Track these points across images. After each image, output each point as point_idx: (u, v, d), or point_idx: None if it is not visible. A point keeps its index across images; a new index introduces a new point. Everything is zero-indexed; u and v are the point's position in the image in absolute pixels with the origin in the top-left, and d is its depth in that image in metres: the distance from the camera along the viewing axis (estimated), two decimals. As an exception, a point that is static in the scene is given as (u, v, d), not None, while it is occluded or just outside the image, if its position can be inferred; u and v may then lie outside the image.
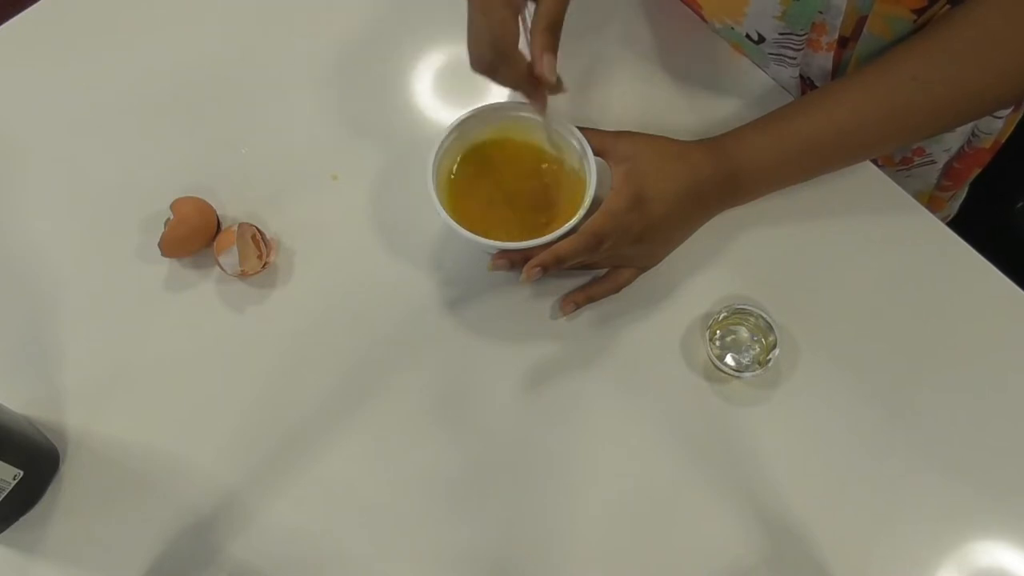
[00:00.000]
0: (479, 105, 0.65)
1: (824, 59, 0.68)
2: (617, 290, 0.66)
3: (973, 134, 0.78)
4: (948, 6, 0.60)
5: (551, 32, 0.58)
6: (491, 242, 0.61)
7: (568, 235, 0.61)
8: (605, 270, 0.66)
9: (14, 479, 0.57)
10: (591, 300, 0.66)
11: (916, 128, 0.64)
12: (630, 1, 0.78)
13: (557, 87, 0.60)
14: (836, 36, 0.66)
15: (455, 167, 0.67)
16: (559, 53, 0.58)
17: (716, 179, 0.64)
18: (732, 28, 0.72)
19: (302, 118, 0.74)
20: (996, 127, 0.76)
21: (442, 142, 0.63)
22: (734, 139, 0.65)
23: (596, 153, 0.64)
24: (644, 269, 0.66)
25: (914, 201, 0.69)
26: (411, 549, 0.59)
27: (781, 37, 0.68)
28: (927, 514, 0.59)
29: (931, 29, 0.61)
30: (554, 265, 0.60)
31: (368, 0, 0.79)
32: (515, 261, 0.62)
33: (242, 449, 0.62)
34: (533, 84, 0.59)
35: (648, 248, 0.65)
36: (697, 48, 0.76)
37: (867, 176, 0.70)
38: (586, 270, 0.67)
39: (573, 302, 0.65)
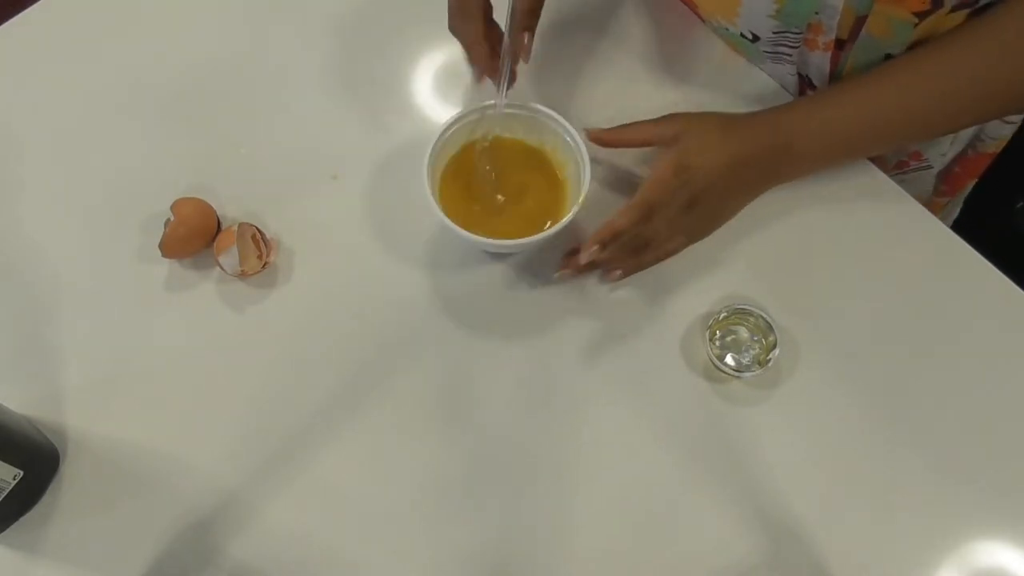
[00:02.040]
0: (475, 105, 0.65)
1: (821, 59, 0.68)
2: (665, 257, 0.65)
3: (978, 139, 0.78)
4: (951, 12, 0.60)
5: (532, 15, 0.66)
6: (488, 240, 0.61)
7: (563, 232, 0.61)
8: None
9: (14, 479, 0.57)
10: (640, 268, 0.65)
11: (958, 114, 0.64)
12: (627, 0, 0.78)
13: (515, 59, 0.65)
14: (833, 36, 0.66)
15: (451, 166, 0.67)
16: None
17: (765, 150, 0.64)
18: (727, 28, 0.72)
19: (302, 118, 0.74)
20: (1005, 133, 0.76)
21: (436, 142, 0.63)
22: (787, 111, 0.65)
23: (644, 144, 0.66)
24: (693, 240, 0.66)
25: (914, 201, 0.69)
26: (411, 549, 0.59)
27: (776, 36, 0.68)
28: (927, 514, 0.59)
29: (981, 20, 0.61)
30: (612, 239, 0.62)
31: (368, 0, 0.79)
32: (580, 269, 0.64)
33: (242, 449, 0.62)
34: (484, 49, 0.65)
35: (698, 217, 0.64)
36: (695, 47, 0.76)
37: (868, 176, 0.70)
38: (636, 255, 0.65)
39: (621, 269, 0.64)
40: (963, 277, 0.66)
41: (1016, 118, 0.75)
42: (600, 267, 0.66)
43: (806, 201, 0.68)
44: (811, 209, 0.68)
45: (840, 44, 0.67)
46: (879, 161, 0.71)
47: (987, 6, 0.60)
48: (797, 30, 0.66)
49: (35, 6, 0.79)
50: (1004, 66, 0.60)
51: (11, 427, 0.57)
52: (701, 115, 0.65)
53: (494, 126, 0.66)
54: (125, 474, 0.61)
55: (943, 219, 0.70)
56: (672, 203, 0.62)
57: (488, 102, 0.64)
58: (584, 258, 0.62)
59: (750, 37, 0.70)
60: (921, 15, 0.61)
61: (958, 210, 0.89)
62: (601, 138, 0.67)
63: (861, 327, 0.64)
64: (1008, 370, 0.63)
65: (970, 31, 0.61)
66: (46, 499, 0.60)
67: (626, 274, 0.65)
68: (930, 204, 0.86)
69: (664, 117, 0.65)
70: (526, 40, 0.67)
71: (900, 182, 0.70)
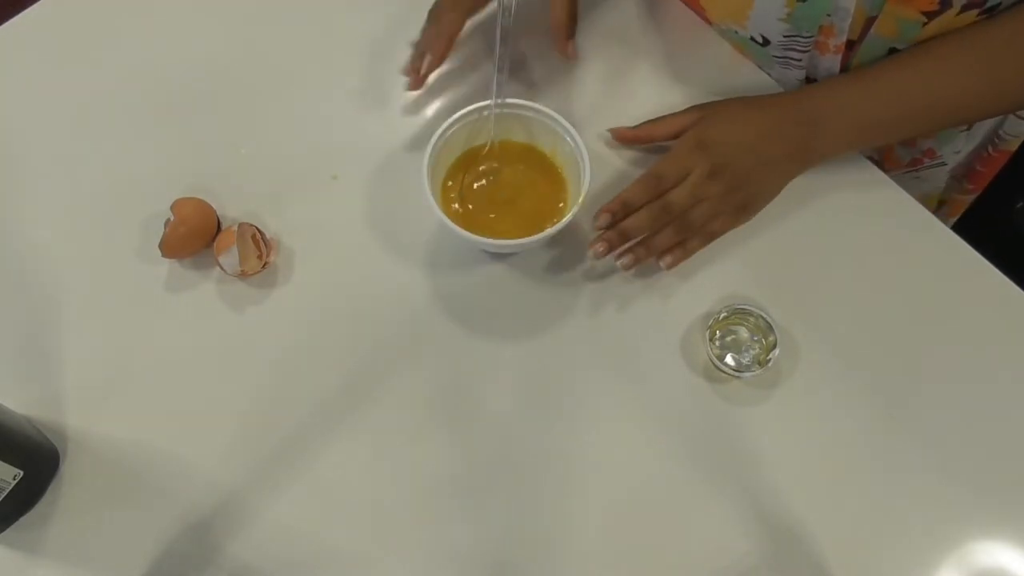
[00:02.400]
0: (474, 105, 0.65)
1: (831, 61, 0.68)
2: (710, 239, 0.65)
3: (997, 136, 0.78)
4: (960, 12, 0.60)
5: (572, 20, 0.70)
6: (488, 240, 0.61)
7: (563, 232, 0.61)
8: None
9: (14, 479, 0.57)
10: (688, 254, 0.64)
11: (981, 102, 0.64)
12: (633, 4, 0.78)
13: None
14: (844, 39, 0.65)
15: (451, 166, 0.67)
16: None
17: (789, 123, 0.64)
18: (736, 31, 0.72)
19: (302, 118, 0.74)
20: (1023, 129, 0.76)
21: (435, 142, 0.63)
22: (812, 88, 0.66)
23: (672, 136, 0.67)
24: (738, 216, 0.65)
25: (914, 201, 0.69)
26: (411, 548, 0.59)
27: (786, 39, 0.68)
28: (927, 514, 0.59)
29: (1008, 12, 0.61)
30: (620, 208, 0.63)
31: (368, 0, 0.79)
32: (613, 244, 0.63)
33: (242, 449, 0.62)
34: (445, 48, 0.67)
35: (729, 189, 0.64)
36: (702, 51, 0.76)
37: (868, 176, 0.70)
38: (685, 234, 0.64)
39: (674, 255, 0.64)
40: (963, 277, 0.66)
41: None
42: (640, 247, 0.63)
43: (806, 201, 0.68)
44: (811, 209, 0.68)
45: (848, 44, 0.67)
46: (892, 159, 0.71)
47: (995, 6, 0.60)
48: (808, 34, 0.66)
49: (35, 6, 0.79)
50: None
51: (11, 427, 0.57)
52: (723, 101, 0.68)
53: (494, 127, 0.66)
54: (125, 474, 0.61)
55: (945, 219, 0.70)
56: (692, 172, 0.63)
57: (488, 102, 0.64)
58: (598, 225, 0.63)
59: (760, 41, 0.70)
60: (930, 15, 0.60)
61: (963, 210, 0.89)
62: (627, 136, 0.69)
63: (861, 327, 0.64)
64: (1008, 370, 0.63)
65: (995, 22, 0.61)
66: (46, 499, 0.60)
67: (675, 261, 0.64)
68: (952, 202, 0.86)
69: (688, 108, 0.68)
70: (570, 48, 0.71)
71: (914, 179, 0.70)
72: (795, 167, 0.66)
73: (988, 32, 0.61)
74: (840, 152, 0.67)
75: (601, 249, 0.63)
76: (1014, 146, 0.78)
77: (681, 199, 0.63)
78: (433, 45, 0.69)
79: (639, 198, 0.63)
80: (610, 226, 0.63)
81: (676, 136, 0.66)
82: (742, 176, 0.64)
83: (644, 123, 0.69)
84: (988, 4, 0.60)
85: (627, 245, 0.63)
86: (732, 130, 0.64)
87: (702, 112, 0.67)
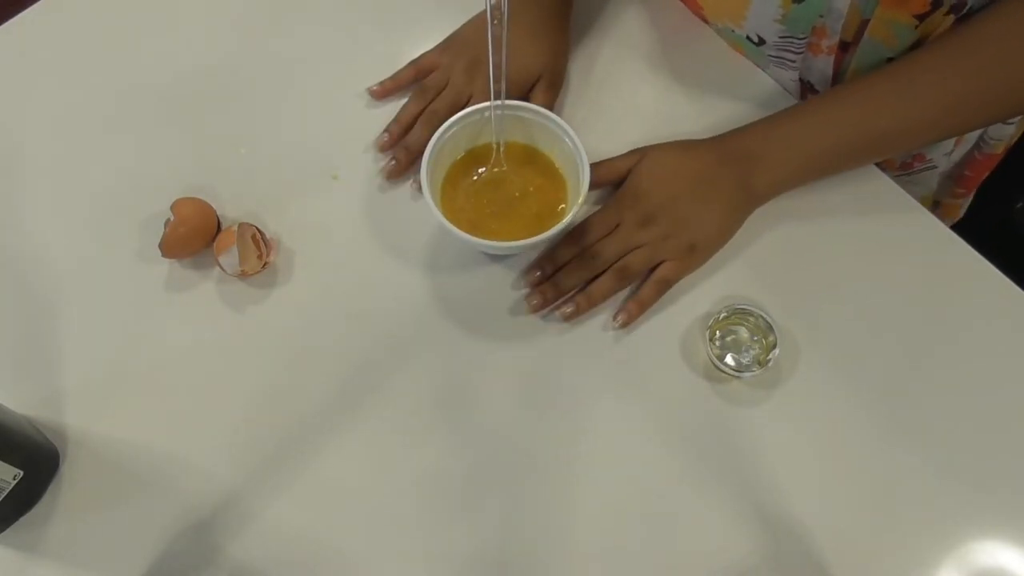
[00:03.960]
0: (474, 107, 0.65)
1: (824, 63, 0.68)
2: (666, 286, 0.65)
3: (983, 140, 0.78)
4: (949, 13, 0.60)
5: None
6: (485, 242, 0.61)
7: (563, 232, 0.61)
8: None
9: (14, 479, 0.57)
10: (643, 307, 0.64)
11: (920, 131, 0.64)
12: (631, 3, 0.78)
13: None
14: (837, 40, 0.66)
15: (451, 168, 0.67)
16: None
17: (726, 159, 0.65)
18: (733, 30, 0.72)
19: (302, 118, 0.74)
20: (1007, 133, 0.76)
21: (435, 143, 0.63)
22: (746, 127, 0.67)
23: (618, 179, 0.67)
24: (689, 260, 0.65)
25: (914, 201, 0.69)
26: (411, 548, 0.59)
27: (781, 40, 0.68)
28: (927, 514, 0.59)
29: (953, 27, 0.62)
30: (549, 264, 0.65)
31: (368, 1, 0.79)
32: (548, 297, 0.64)
33: (242, 449, 0.62)
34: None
35: (664, 234, 0.64)
36: (698, 49, 0.76)
37: (867, 176, 0.70)
38: (624, 282, 0.65)
39: (627, 311, 0.64)
40: (963, 277, 0.66)
41: (1016, 117, 0.75)
42: (580, 295, 0.65)
43: (806, 201, 0.68)
44: (811, 209, 0.68)
45: (844, 47, 0.67)
46: (884, 162, 0.71)
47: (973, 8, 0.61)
48: (802, 35, 0.66)
49: (35, 6, 0.79)
50: (979, 68, 0.60)
51: (11, 427, 0.57)
52: (663, 143, 0.68)
53: (493, 128, 0.66)
54: (125, 474, 0.61)
55: (945, 219, 0.70)
56: (622, 223, 0.65)
57: (487, 103, 0.64)
58: (528, 282, 0.65)
59: (756, 40, 0.70)
60: (921, 17, 0.61)
61: (963, 213, 0.90)
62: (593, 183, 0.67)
63: (861, 327, 0.64)
64: (1008, 370, 0.63)
65: (942, 38, 0.62)
66: (46, 499, 0.60)
67: (630, 318, 0.64)
68: (945, 206, 0.86)
69: (629, 152, 0.68)
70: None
71: (906, 182, 0.70)
72: (740, 206, 0.66)
73: (912, 61, 0.62)
74: (786, 186, 0.66)
75: (536, 302, 0.64)
76: (999, 149, 0.78)
77: (609, 248, 0.64)
78: (399, 155, 0.70)
79: (566, 254, 0.65)
80: (542, 282, 0.65)
81: (620, 178, 0.67)
82: (679, 221, 0.65)
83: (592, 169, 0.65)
84: (969, 6, 0.60)
85: (565, 297, 0.65)
86: (663, 177, 0.65)
87: (639, 155, 0.67)
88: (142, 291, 0.67)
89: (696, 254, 0.65)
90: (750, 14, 0.68)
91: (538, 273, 0.65)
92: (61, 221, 0.70)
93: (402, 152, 0.69)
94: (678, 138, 0.69)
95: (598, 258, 0.64)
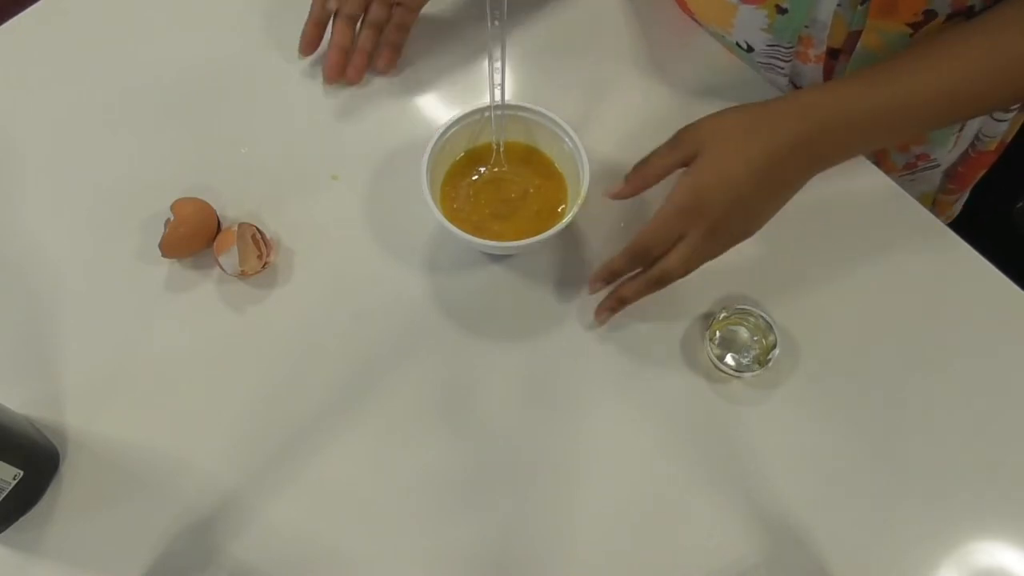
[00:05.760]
0: (474, 107, 0.65)
1: (813, 70, 0.69)
2: (681, 275, 0.60)
3: (977, 138, 0.78)
4: (946, 21, 0.60)
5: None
6: (485, 242, 0.61)
7: (562, 233, 0.61)
8: None
9: (14, 479, 0.57)
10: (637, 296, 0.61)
11: (984, 94, 0.59)
12: (624, 4, 0.78)
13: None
14: (824, 49, 0.66)
15: (451, 168, 0.67)
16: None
17: (799, 137, 0.57)
18: (723, 36, 0.72)
19: (302, 118, 0.74)
20: (1000, 130, 0.76)
21: (434, 143, 0.63)
22: (813, 91, 0.59)
23: (666, 175, 0.60)
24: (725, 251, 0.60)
25: (914, 201, 0.69)
26: (411, 549, 0.59)
27: (769, 48, 0.69)
28: (927, 514, 0.59)
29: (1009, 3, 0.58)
30: (610, 277, 0.62)
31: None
32: (614, 309, 0.63)
33: (242, 449, 0.62)
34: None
35: (730, 243, 0.60)
36: (692, 50, 0.76)
37: (868, 177, 0.70)
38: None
39: (616, 301, 0.62)
40: (963, 277, 0.66)
41: (1007, 115, 0.75)
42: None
43: (806, 201, 0.68)
44: (810, 209, 0.68)
45: (834, 54, 0.67)
46: (888, 164, 0.71)
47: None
48: (789, 44, 0.67)
49: (35, 6, 0.79)
50: None
51: (11, 427, 0.57)
52: (720, 121, 0.58)
53: (493, 128, 0.66)
54: (125, 474, 0.61)
55: (940, 216, 0.71)
56: (687, 235, 0.57)
57: (487, 103, 0.64)
58: (591, 291, 0.63)
59: (745, 47, 0.71)
60: (915, 26, 0.60)
61: (959, 210, 0.90)
62: (623, 192, 0.61)
63: (861, 327, 0.64)
64: (1008, 370, 0.63)
65: (995, 15, 0.57)
66: (46, 499, 0.60)
67: (621, 304, 0.63)
68: (939, 203, 0.86)
69: (678, 135, 0.59)
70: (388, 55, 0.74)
71: (910, 182, 0.70)
72: (808, 178, 0.60)
73: (995, 15, 0.57)
74: (849, 157, 0.61)
75: (604, 318, 0.64)
76: (992, 147, 0.78)
77: (676, 268, 0.59)
78: (331, 56, 0.73)
79: (627, 269, 0.61)
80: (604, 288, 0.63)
81: (669, 173, 0.60)
82: (745, 224, 0.59)
83: (634, 170, 0.60)
84: (975, 10, 0.60)
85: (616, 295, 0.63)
86: (730, 179, 0.56)
87: (695, 144, 0.58)
88: (142, 291, 0.67)
89: (738, 242, 0.61)
90: (737, 22, 0.68)
91: (601, 285, 0.62)
92: (61, 221, 0.70)
93: (333, 51, 0.72)
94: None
95: (665, 280, 0.60)
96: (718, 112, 0.59)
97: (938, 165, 0.80)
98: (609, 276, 0.61)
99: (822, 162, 0.59)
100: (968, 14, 0.60)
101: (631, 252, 0.59)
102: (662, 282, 0.60)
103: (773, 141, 0.56)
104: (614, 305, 0.63)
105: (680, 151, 0.58)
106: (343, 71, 0.74)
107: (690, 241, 0.57)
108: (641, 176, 0.60)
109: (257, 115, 0.74)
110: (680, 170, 0.59)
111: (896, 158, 0.79)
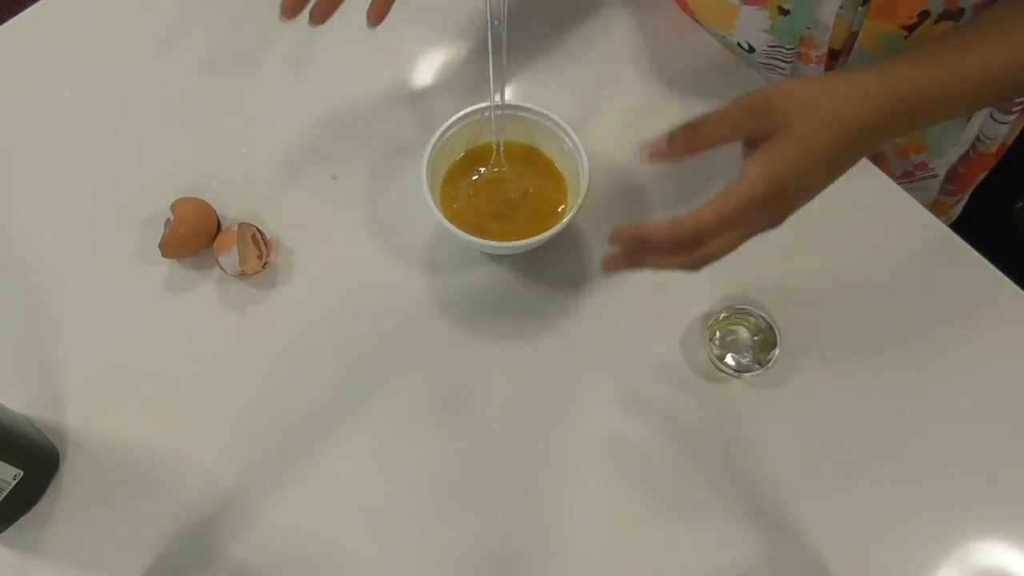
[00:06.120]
0: (474, 106, 0.65)
1: (814, 71, 0.69)
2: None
3: (979, 139, 0.78)
4: (940, 22, 0.60)
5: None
6: (485, 242, 0.61)
7: (562, 234, 0.61)
8: None
9: (14, 479, 0.57)
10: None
11: None
12: (625, 4, 0.78)
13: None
14: (825, 50, 0.66)
15: (450, 168, 0.67)
16: None
17: (869, 127, 0.50)
18: (724, 37, 0.73)
19: (302, 118, 0.74)
20: (1001, 132, 0.77)
21: (434, 143, 0.63)
22: (879, 73, 0.51)
23: (733, 140, 0.52)
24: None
25: (915, 202, 0.69)
26: (411, 549, 0.59)
27: (771, 49, 0.69)
28: (927, 514, 0.59)
29: None
30: (638, 244, 0.51)
31: (367, 1, 0.79)
32: (622, 266, 0.53)
33: (242, 449, 0.62)
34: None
35: (768, 229, 0.52)
36: (693, 51, 0.76)
37: (868, 177, 0.70)
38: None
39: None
40: (963, 277, 0.66)
41: (1008, 118, 0.75)
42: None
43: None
44: (811, 210, 0.68)
45: (834, 55, 0.67)
46: (887, 170, 0.71)
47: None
48: (790, 45, 0.67)
49: (35, 6, 0.79)
50: None
51: (11, 427, 0.57)
52: (811, 94, 0.48)
53: (493, 128, 0.66)
54: (125, 474, 0.61)
55: (952, 214, 0.70)
56: (756, 224, 0.50)
57: (487, 103, 0.64)
58: (609, 246, 0.51)
59: (746, 48, 0.71)
60: (910, 28, 0.61)
61: (961, 206, 0.90)
62: (666, 154, 0.51)
63: (861, 327, 0.64)
64: (1008, 370, 0.63)
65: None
66: (46, 499, 0.60)
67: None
68: (939, 205, 0.86)
69: (756, 100, 0.49)
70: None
71: (907, 191, 0.70)
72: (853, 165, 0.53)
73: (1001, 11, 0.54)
74: (900, 137, 0.57)
75: (611, 267, 0.53)
76: (992, 149, 0.78)
77: (719, 257, 0.51)
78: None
79: (664, 246, 0.49)
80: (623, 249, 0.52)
81: (737, 139, 0.52)
82: (798, 206, 0.52)
83: (687, 128, 0.50)
84: (964, 14, 0.60)
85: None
86: (814, 162, 0.49)
87: (777, 115, 0.48)
88: (142, 291, 0.67)
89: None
90: (739, 23, 0.68)
91: (621, 245, 0.51)
92: (61, 221, 0.70)
93: (628, 262, 0.53)
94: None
95: (704, 263, 0.51)
96: (806, 81, 0.50)
97: (936, 175, 0.80)
98: (638, 246, 0.51)
99: (877, 147, 0.55)
100: (957, 17, 0.60)
101: (678, 238, 0.48)
102: (698, 269, 0.52)
103: (860, 125, 0.49)
104: (632, 264, 0.52)
105: (756, 121, 0.49)
106: (301, 5, 0.61)
107: (747, 232, 0.50)
108: (696, 139, 0.50)
109: (257, 115, 0.74)
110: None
111: (895, 164, 0.79)
